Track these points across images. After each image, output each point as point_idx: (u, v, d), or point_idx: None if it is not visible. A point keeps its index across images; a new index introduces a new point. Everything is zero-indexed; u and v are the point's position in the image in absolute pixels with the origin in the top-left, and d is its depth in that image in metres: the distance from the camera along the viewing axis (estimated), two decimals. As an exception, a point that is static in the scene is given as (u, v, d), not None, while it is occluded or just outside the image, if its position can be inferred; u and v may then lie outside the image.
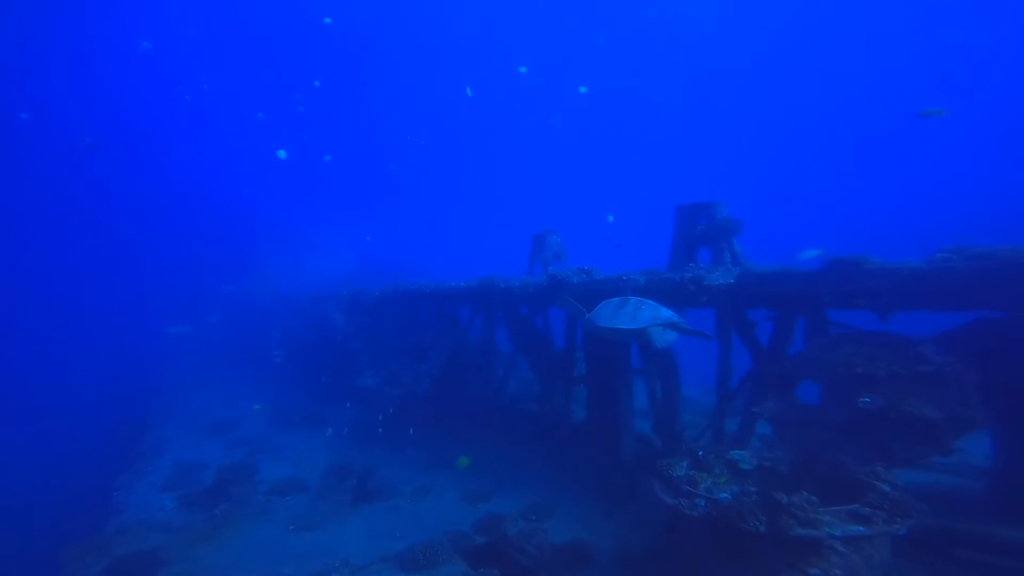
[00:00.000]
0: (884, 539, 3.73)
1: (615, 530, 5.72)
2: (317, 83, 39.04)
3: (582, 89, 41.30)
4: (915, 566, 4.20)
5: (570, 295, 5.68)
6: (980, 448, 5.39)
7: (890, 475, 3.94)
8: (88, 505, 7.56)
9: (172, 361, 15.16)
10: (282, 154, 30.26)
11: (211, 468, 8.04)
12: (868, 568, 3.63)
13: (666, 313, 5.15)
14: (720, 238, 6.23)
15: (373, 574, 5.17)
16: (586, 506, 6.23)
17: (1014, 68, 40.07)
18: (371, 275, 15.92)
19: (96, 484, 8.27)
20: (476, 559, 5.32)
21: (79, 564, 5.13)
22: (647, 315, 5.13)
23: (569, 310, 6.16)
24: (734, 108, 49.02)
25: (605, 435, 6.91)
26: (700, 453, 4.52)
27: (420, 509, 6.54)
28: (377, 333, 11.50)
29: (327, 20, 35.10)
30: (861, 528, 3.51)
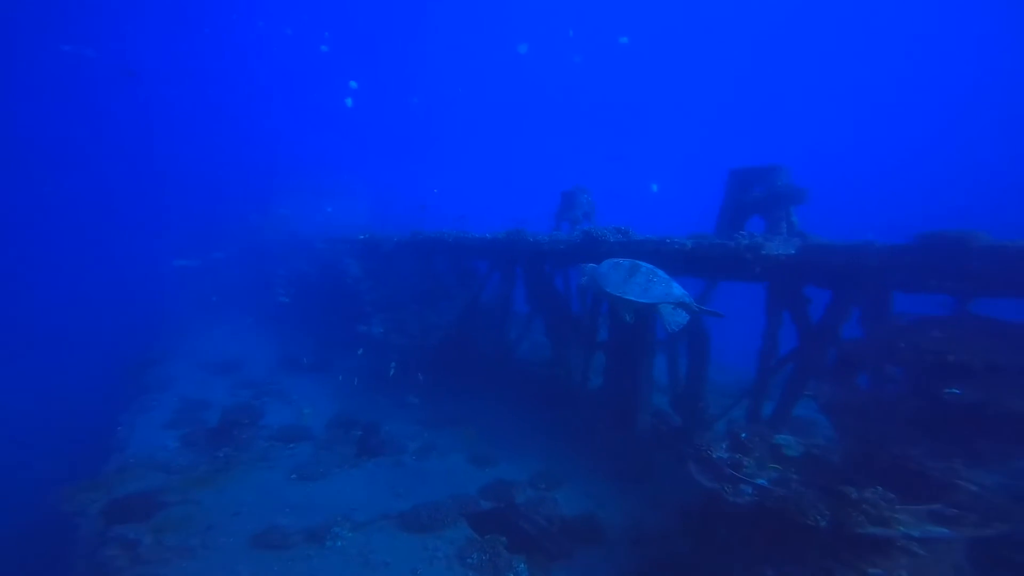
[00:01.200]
0: (960, 542, 3.37)
1: (628, 507, 5.44)
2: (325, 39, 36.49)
3: (623, 39, 37.47)
4: (976, 570, 3.85)
5: (606, 255, 5.11)
6: None
7: (974, 474, 3.50)
8: (93, 439, 7.52)
9: (180, 295, 15.03)
10: (349, 102, 28.65)
11: (215, 407, 7.91)
12: (937, 570, 3.28)
13: (678, 291, 4.79)
14: (777, 206, 5.52)
15: (375, 531, 4.99)
16: (598, 479, 5.95)
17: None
18: (389, 221, 15.34)
19: (102, 417, 8.24)
20: (482, 525, 5.10)
21: (78, 502, 5.02)
22: (659, 290, 4.77)
23: (586, 282, 5.64)
24: (803, 68, 43.76)
25: (620, 407, 6.54)
26: (743, 435, 4.07)
27: (425, 467, 6.34)
28: (390, 280, 11.08)
29: None
30: (945, 530, 3.13)
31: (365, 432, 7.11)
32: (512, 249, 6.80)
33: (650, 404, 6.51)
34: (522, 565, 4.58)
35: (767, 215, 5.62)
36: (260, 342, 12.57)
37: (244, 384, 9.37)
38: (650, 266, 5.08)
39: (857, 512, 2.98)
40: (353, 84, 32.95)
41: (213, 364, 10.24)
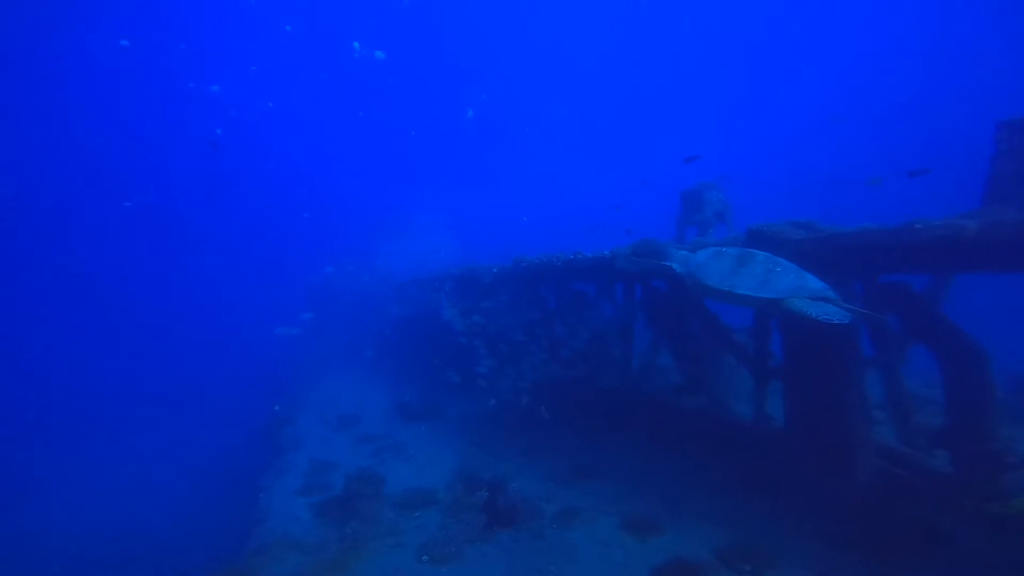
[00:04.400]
0: None
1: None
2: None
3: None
4: None
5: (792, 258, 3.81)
6: None
7: None
8: (243, 500, 7.71)
9: (291, 356, 16.03)
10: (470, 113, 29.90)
11: (340, 468, 7.75)
12: None
13: (815, 283, 3.86)
14: None
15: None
16: (829, 553, 4.34)
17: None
18: (476, 254, 15.14)
19: (247, 480, 8.53)
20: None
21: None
22: (787, 281, 3.87)
23: (639, 269, 5.00)
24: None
25: (822, 448, 4.96)
26: None
27: (571, 540, 5.27)
28: (490, 314, 10.50)
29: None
30: None
31: (491, 492, 6.27)
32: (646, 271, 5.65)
33: (871, 443, 4.83)
34: None
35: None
36: (372, 392, 12.70)
37: (363, 439, 9.22)
38: (768, 254, 4.13)
39: None
40: (379, 54, 33.66)
41: (334, 420, 10.35)
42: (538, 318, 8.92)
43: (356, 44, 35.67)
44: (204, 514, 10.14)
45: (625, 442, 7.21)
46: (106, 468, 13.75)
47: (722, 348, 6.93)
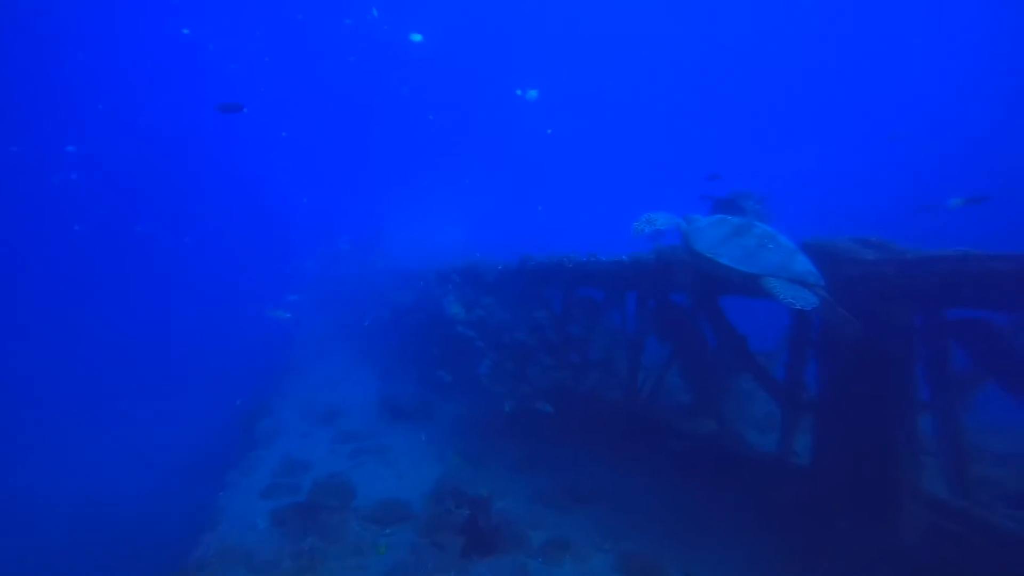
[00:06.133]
0: None
1: None
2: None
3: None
4: None
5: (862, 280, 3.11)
6: None
7: None
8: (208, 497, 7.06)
9: (281, 340, 15.48)
10: (533, 94, 28.51)
11: (313, 469, 7.17)
12: None
13: (803, 266, 3.70)
14: None
15: None
16: None
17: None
18: (488, 245, 14.50)
19: (217, 473, 7.91)
20: None
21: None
22: (774, 259, 3.74)
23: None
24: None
25: (860, 494, 4.19)
26: None
27: (559, 580, 4.57)
28: (494, 312, 9.78)
29: None
30: None
31: (473, 511, 5.58)
32: (668, 271, 4.92)
33: (919, 491, 4.06)
34: None
35: None
36: (361, 383, 12.05)
37: (344, 437, 8.56)
38: (771, 229, 4.02)
39: None
40: (417, 37, 31.33)
41: (315, 414, 9.71)
42: (545, 319, 8.18)
43: (375, 12, 34.07)
44: (175, 503, 9.57)
45: (628, 466, 6.48)
46: (92, 442, 13.32)
47: (739, 368, 6.17)
